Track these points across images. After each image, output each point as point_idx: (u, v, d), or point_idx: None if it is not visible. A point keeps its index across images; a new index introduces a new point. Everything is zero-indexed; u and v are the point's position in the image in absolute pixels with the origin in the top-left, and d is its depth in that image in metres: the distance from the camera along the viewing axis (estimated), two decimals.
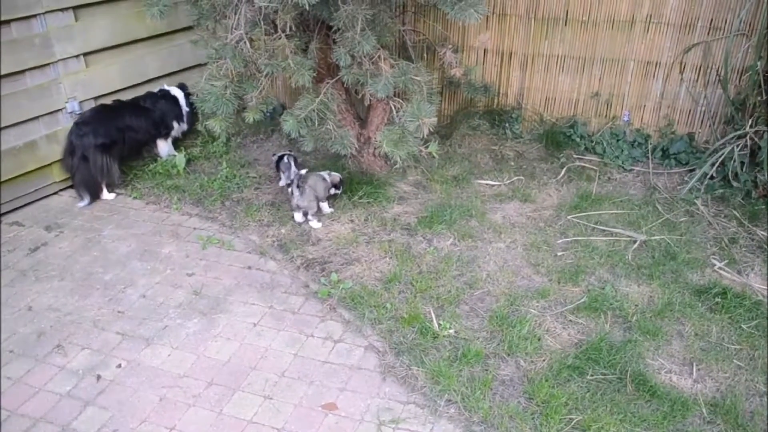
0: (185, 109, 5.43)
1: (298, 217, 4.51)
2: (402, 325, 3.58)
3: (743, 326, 3.58)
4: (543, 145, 5.48)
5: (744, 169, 4.87)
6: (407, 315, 3.63)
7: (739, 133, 4.94)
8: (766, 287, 3.92)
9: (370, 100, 4.58)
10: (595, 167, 5.20)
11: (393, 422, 3.03)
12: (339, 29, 4.05)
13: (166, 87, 5.44)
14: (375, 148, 4.77)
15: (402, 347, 3.44)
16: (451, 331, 3.53)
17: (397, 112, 4.23)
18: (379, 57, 4.23)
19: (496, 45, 5.63)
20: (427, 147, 4.12)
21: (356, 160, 5.08)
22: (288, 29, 4.06)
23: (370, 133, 4.92)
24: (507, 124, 5.67)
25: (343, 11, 3.97)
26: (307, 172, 4.62)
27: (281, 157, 4.87)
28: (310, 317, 3.71)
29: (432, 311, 3.67)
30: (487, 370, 3.29)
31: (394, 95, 4.39)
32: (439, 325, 3.57)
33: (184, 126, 5.53)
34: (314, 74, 4.19)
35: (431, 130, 3.97)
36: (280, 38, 4.08)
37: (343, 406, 3.13)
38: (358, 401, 3.16)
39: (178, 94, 5.44)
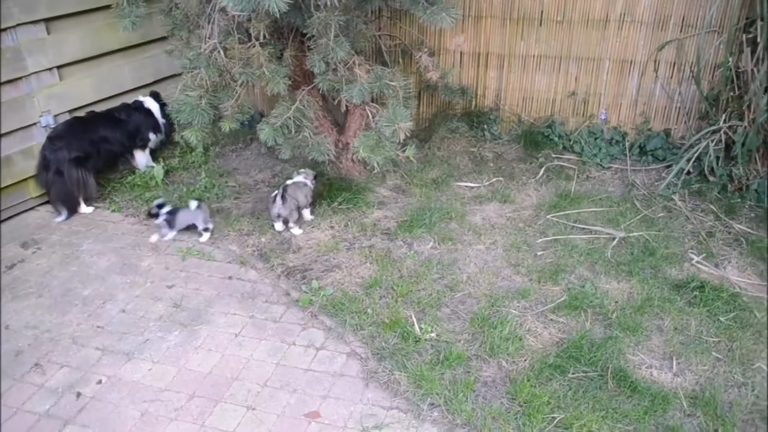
0: (161, 119, 5.40)
1: (279, 226, 4.49)
2: (384, 330, 3.57)
3: (721, 319, 3.61)
4: (521, 146, 5.50)
5: (719, 164, 4.92)
6: (389, 320, 3.62)
7: (713, 128, 4.99)
8: (742, 279, 3.95)
9: (346, 106, 4.58)
10: (573, 166, 5.22)
11: (376, 428, 3.02)
12: (313, 36, 4.05)
13: (140, 98, 5.41)
14: (353, 154, 4.77)
15: (384, 352, 3.43)
16: (433, 334, 3.53)
17: (373, 117, 4.23)
18: (353, 63, 4.22)
19: (472, 47, 5.65)
20: (404, 151, 4.12)
21: (335, 166, 5.07)
22: (262, 37, 4.05)
23: (348, 138, 4.91)
24: (485, 126, 5.68)
25: (316, 18, 3.96)
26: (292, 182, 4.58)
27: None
28: (291, 325, 3.69)
29: (413, 315, 3.66)
30: (469, 372, 3.29)
31: (371, 100, 4.39)
32: (421, 328, 3.56)
33: (161, 136, 5.49)
34: (289, 82, 4.18)
35: (408, 134, 3.98)
36: (254, 47, 4.07)
37: (327, 414, 3.12)
38: (341, 408, 3.14)
39: (153, 105, 5.40)
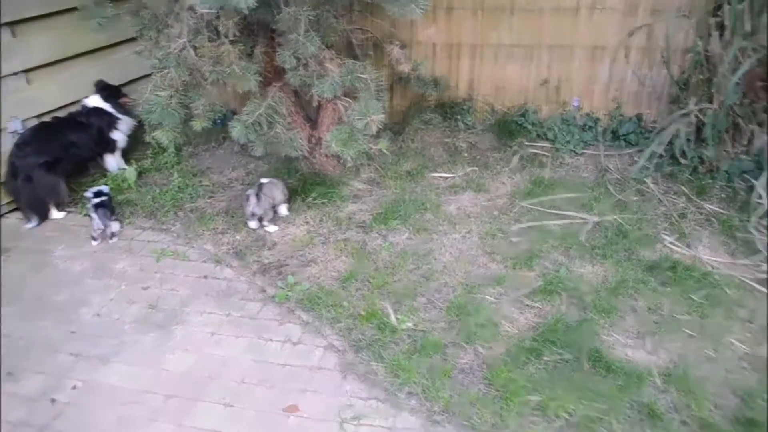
0: (117, 115, 5.22)
1: (253, 224, 4.47)
2: (360, 322, 3.57)
3: (693, 297, 3.65)
4: (495, 135, 5.51)
5: (690, 146, 4.95)
6: (365, 312, 3.62)
7: (684, 111, 5.01)
8: (714, 258, 3.99)
9: (318, 101, 4.57)
10: (547, 153, 5.24)
11: (355, 419, 3.02)
12: (283, 32, 4.03)
13: (84, 100, 5.17)
14: (326, 149, 4.76)
15: (361, 344, 3.43)
16: (409, 324, 3.53)
17: (345, 111, 4.22)
18: (324, 57, 4.22)
19: (444, 38, 5.65)
20: (377, 144, 4.12)
21: (309, 161, 5.06)
22: (231, 35, 4.04)
23: (321, 133, 4.90)
24: (459, 116, 5.69)
25: (285, 13, 3.95)
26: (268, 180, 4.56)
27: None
28: (268, 322, 3.68)
29: (389, 306, 3.66)
30: (446, 359, 3.30)
31: (344, 95, 4.39)
32: (397, 319, 3.56)
33: (124, 133, 5.32)
34: (260, 78, 4.17)
35: (380, 127, 3.98)
36: (223, 44, 4.05)
37: (305, 408, 3.11)
38: (319, 401, 3.14)
39: (99, 101, 5.16)
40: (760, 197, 4.45)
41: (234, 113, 5.68)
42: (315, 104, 4.69)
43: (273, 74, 4.58)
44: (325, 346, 3.48)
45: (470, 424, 2.97)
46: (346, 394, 3.17)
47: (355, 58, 4.84)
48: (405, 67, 4.89)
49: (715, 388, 3.14)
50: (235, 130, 4.17)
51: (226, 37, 4.03)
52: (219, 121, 5.46)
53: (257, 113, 4.23)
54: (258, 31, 4.51)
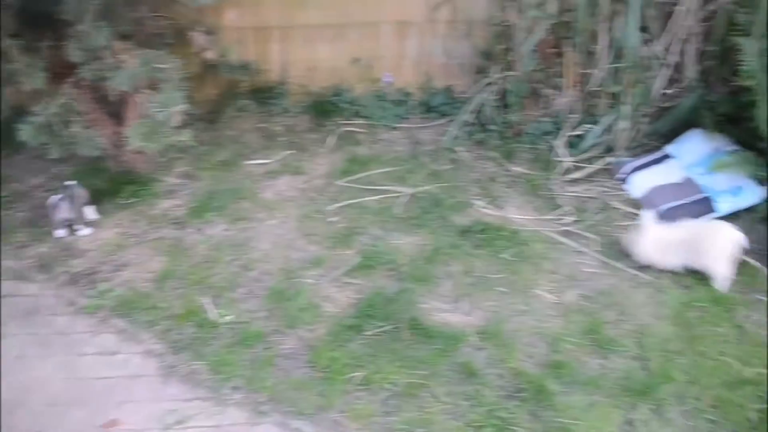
0: None
1: (62, 232, 4.17)
2: (179, 322, 3.45)
3: (503, 256, 3.87)
4: (311, 116, 5.48)
5: (497, 113, 5.20)
6: (183, 310, 3.51)
7: (489, 80, 5.26)
8: (521, 216, 4.26)
9: (122, 95, 4.33)
10: (363, 130, 5.30)
11: (179, 423, 2.94)
12: (71, 23, 3.77)
13: None
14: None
15: (181, 344, 3.33)
16: (230, 317, 3.46)
17: (146, 103, 4.03)
18: (118, 48, 4.00)
19: (252, 22, 5.52)
20: (181, 136, 3.97)
21: (116, 159, 4.78)
22: (12, 29, 3.73)
23: (127, 129, 4.64)
24: (274, 100, 5.60)
25: (70, 3, 3.69)
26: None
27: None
28: (80, 335, 3.46)
29: (209, 301, 3.57)
30: (269, 348, 3.28)
31: (149, 87, 4.18)
32: (218, 313, 3.48)
33: None
34: (49, 75, 3.88)
35: (185, 117, 3.85)
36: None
37: (126, 419, 2.97)
38: (140, 411, 3.01)
39: None
40: (559, 155, 4.78)
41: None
42: (115, 99, 4.43)
43: (65, 69, 4.27)
44: (143, 352, 3.33)
45: (296, 410, 2.98)
46: (168, 399, 3.06)
47: (159, 47, 4.64)
48: (210, 54, 4.75)
49: (526, 338, 3.36)
50: (25, 132, 3.87)
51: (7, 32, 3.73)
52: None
53: (49, 112, 3.94)
54: (43, 24, 4.18)
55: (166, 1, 5.09)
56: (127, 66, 3.93)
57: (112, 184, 4.58)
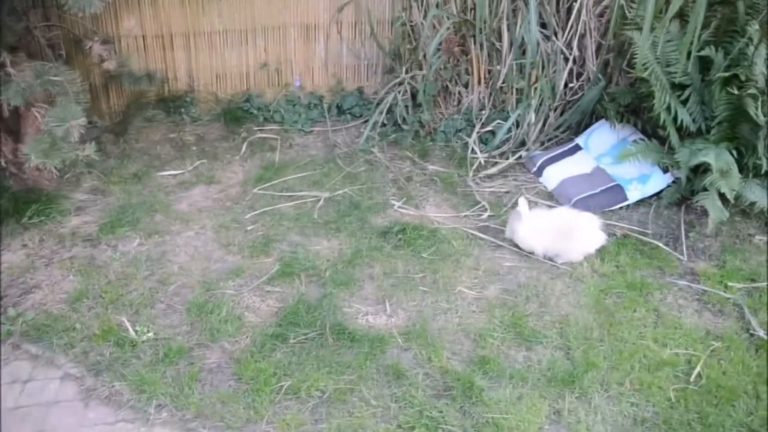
0: None
1: None
2: (96, 342, 3.33)
3: (424, 255, 3.91)
4: (223, 124, 5.40)
5: (409, 113, 5.28)
6: (100, 330, 3.38)
7: (398, 80, 5.33)
8: (439, 215, 4.33)
9: (18, 110, 4.15)
10: (276, 136, 5.26)
11: None
12: None
13: None
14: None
15: (100, 366, 3.20)
16: (150, 334, 3.37)
17: (43, 118, 3.87)
18: (6, 61, 3.82)
19: (154, 29, 5.38)
20: (84, 151, 3.84)
21: (18, 177, 4.57)
22: None
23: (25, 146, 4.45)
24: (183, 109, 5.48)
25: None
26: None
27: None
28: None
29: (126, 319, 3.46)
30: (192, 363, 3.20)
31: (46, 100, 4.02)
32: (136, 331, 3.38)
33: None
34: None
35: (90, 130, 3.72)
36: None
37: None
38: None
39: None
40: (473, 152, 4.89)
41: None
42: (10, 114, 4.23)
43: None
44: (60, 376, 3.19)
45: (225, 424, 2.92)
46: (90, 423, 2.94)
47: (54, 58, 4.46)
48: (110, 65, 4.61)
49: (451, 336, 3.41)
50: None
51: None
52: None
53: None
54: None
55: (54, 10, 4.94)
56: (18, 79, 3.76)
57: (16, 203, 4.37)
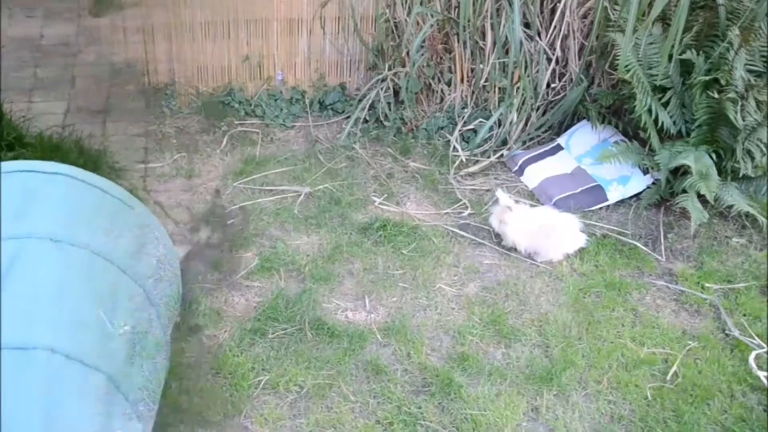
0: None
1: None
2: None
3: (404, 251, 3.92)
4: (204, 117, 5.34)
5: (391, 109, 5.27)
6: None
7: (381, 76, 5.31)
8: (420, 212, 4.33)
9: None
10: (257, 130, 5.22)
11: None
12: None
13: None
14: None
15: None
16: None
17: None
18: None
19: (134, 21, 5.32)
20: None
21: None
22: None
23: None
24: (163, 102, 5.41)
25: None
26: None
27: None
28: None
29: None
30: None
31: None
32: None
33: None
34: None
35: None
36: None
37: None
38: None
39: None
40: (455, 150, 4.90)
41: None
42: None
43: None
44: None
45: (203, 418, 2.91)
46: None
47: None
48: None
49: (431, 332, 3.43)
50: None
51: None
52: None
53: None
54: None
55: None
56: None
57: None
